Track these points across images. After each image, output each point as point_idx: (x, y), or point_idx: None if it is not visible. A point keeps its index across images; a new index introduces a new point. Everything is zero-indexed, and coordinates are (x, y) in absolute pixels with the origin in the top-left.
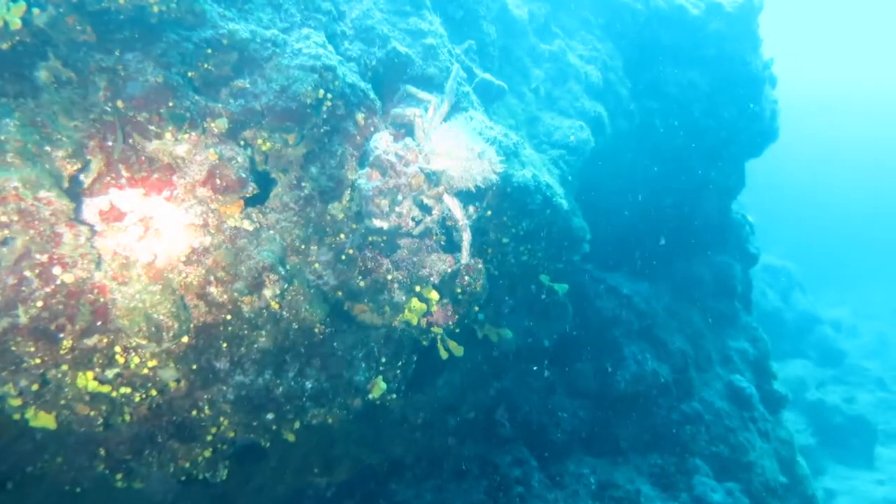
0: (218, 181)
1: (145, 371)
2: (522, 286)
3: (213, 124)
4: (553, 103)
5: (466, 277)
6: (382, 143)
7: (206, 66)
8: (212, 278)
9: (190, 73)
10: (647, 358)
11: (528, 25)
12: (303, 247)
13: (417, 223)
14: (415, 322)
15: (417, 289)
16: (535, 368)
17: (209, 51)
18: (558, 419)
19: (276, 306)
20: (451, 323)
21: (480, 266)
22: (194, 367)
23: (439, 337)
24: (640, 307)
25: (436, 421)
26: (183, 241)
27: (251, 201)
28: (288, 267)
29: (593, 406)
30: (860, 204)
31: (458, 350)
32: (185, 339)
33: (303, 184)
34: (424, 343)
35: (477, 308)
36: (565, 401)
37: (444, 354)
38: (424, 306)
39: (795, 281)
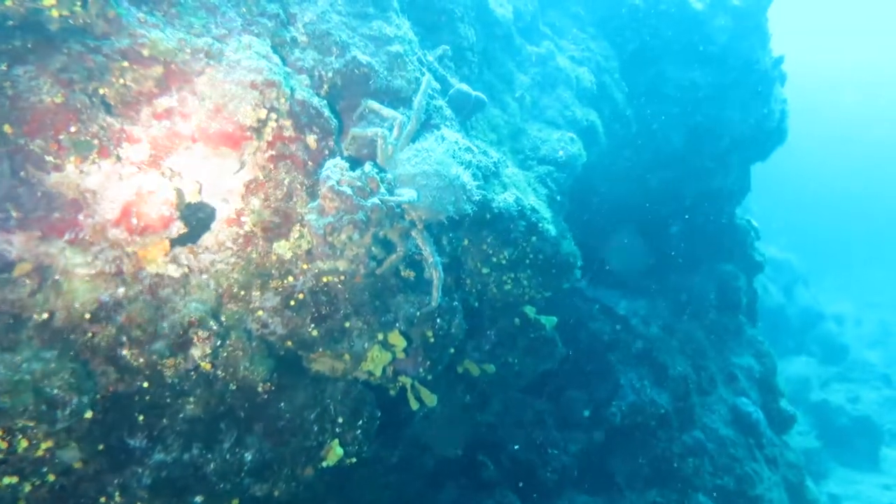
0: (135, 220)
1: (39, 454)
2: (506, 318)
3: (130, 151)
4: (540, 113)
5: (438, 320)
6: (337, 170)
7: (122, 81)
8: (124, 338)
9: (102, 91)
10: (645, 385)
11: (512, 25)
12: (242, 293)
13: (379, 262)
14: (378, 373)
15: (380, 336)
16: (521, 399)
17: (125, 64)
18: (548, 456)
19: (208, 367)
20: (422, 370)
21: (456, 304)
22: (101, 447)
23: (409, 385)
24: (638, 329)
25: (413, 460)
26: (88, 294)
27: (180, 241)
28: (224, 318)
29: (587, 439)
30: (863, 186)
31: (431, 399)
32: (88, 414)
33: (243, 219)
34: (392, 392)
35: (452, 350)
36: (556, 434)
37: (414, 405)
38: (389, 355)
39: (798, 274)
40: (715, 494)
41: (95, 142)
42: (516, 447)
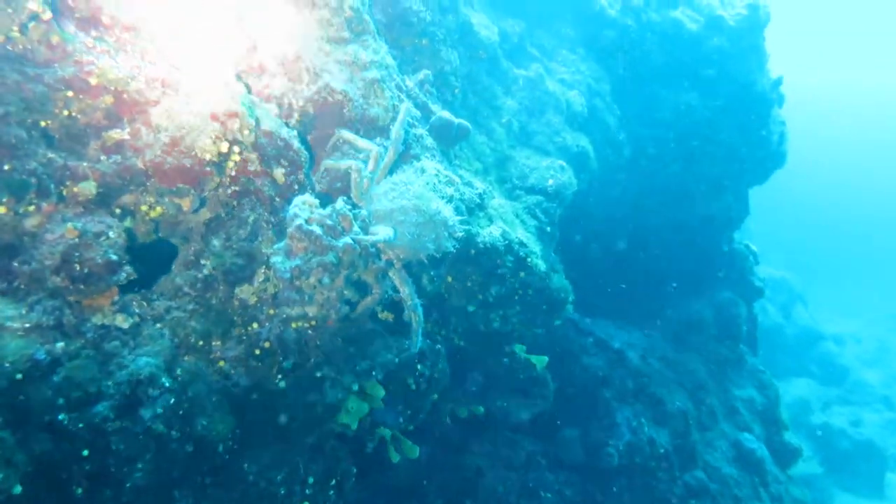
0: (77, 266)
1: None
2: (493, 358)
3: (75, 189)
4: (528, 139)
5: (419, 366)
6: (306, 207)
7: (66, 113)
8: (62, 401)
9: (44, 123)
10: (642, 424)
11: (498, 48)
12: (201, 343)
13: (353, 306)
14: (354, 426)
15: (356, 386)
16: (511, 438)
17: (69, 94)
18: (540, 501)
19: (161, 427)
20: (402, 420)
21: (438, 347)
22: None
23: (389, 437)
24: (634, 364)
25: None
26: (21, 351)
27: (131, 286)
28: (180, 371)
29: (582, 480)
30: (861, 207)
31: (413, 451)
32: (17, 489)
33: (202, 261)
34: (370, 445)
35: (436, 396)
36: (548, 476)
37: (394, 457)
38: (366, 406)
39: (796, 294)
40: None
41: (33, 180)
42: (505, 491)
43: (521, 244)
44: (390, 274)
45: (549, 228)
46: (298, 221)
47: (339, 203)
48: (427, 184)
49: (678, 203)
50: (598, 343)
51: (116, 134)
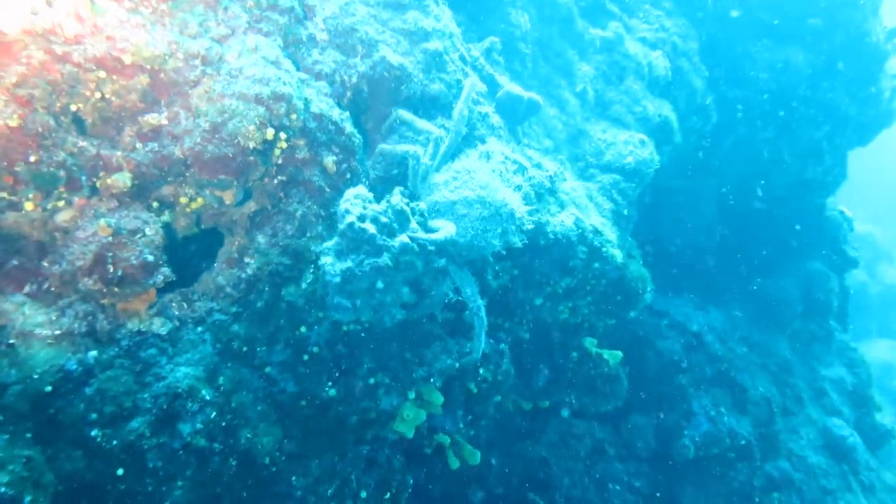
0: (111, 267)
1: None
2: (562, 352)
3: (108, 182)
4: (605, 109)
5: (481, 370)
6: (359, 202)
7: (98, 95)
8: (95, 415)
9: (74, 108)
10: (721, 413)
11: (573, 6)
12: (245, 349)
13: (409, 310)
14: (410, 434)
15: (412, 394)
16: (578, 426)
17: (102, 74)
18: (608, 494)
19: (203, 442)
20: (462, 425)
21: (503, 346)
22: None
23: (448, 443)
24: (714, 348)
25: (455, 497)
26: (51, 361)
27: (169, 287)
28: (222, 380)
29: (653, 471)
30: None
31: (474, 456)
32: None
33: (246, 259)
34: (427, 451)
35: (499, 398)
36: (617, 467)
37: (454, 463)
38: (423, 414)
39: (882, 251)
40: None
41: (62, 173)
42: (571, 483)
43: (596, 232)
44: (450, 273)
45: (626, 211)
46: (350, 218)
47: (396, 197)
48: (493, 171)
49: (767, 173)
50: (674, 325)
51: (153, 119)
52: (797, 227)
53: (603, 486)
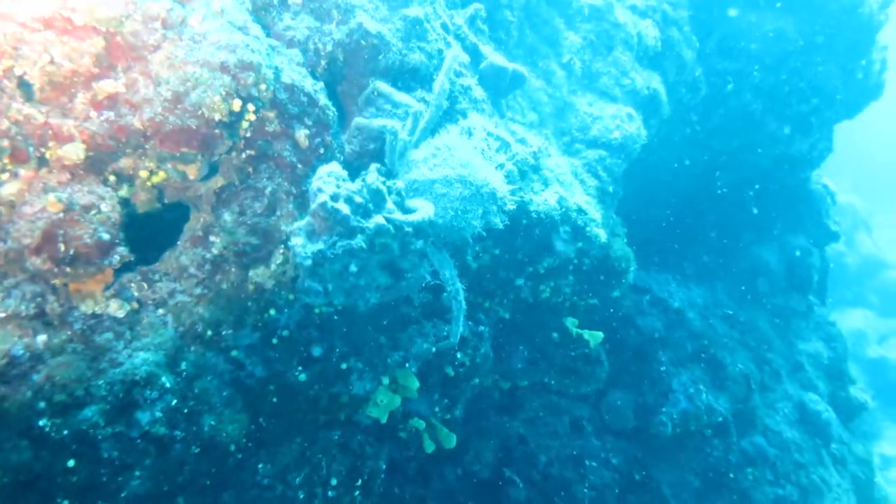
0: (62, 245)
1: None
2: (542, 332)
3: (59, 153)
4: (592, 81)
5: (459, 354)
6: (332, 181)
7: (46, 58)
8: (43, 404)
9: (19, 71)
10: (700, 390)
11: None
12: (210, 332)
13: (384, 293)
14: (384, 420)
15: (387, 380)
16: (557, 403)
17: (50, 35)
18: (585, 469)
19: (162, 430)
20: (438, 409)
21: (482, 328)
22: None
23: (423, 428)
24: (695, 325)
25: (431, 475)
26: None
27: (128, 266)
28: (184, 365)
29: (630, 447)
30: None
31: (450, 440)
32: None
33: (211, 237)
34: (402, 435)
35: (477, 381)
36: (594, 443)
37: (429, 447)
38: (398, 399)
39: (860, 219)
40: None
41: (6, 142)
42: (547, 460)
43: (580, 211)
44: (428, 255)
45: (611, 188)
46: (322, 198)
47: (372, 175)
48: (475, 148)
49: (755, 143)
50: (655, 301)
51: (109, 85)
52: (781, 201)
53: (579, 463)
